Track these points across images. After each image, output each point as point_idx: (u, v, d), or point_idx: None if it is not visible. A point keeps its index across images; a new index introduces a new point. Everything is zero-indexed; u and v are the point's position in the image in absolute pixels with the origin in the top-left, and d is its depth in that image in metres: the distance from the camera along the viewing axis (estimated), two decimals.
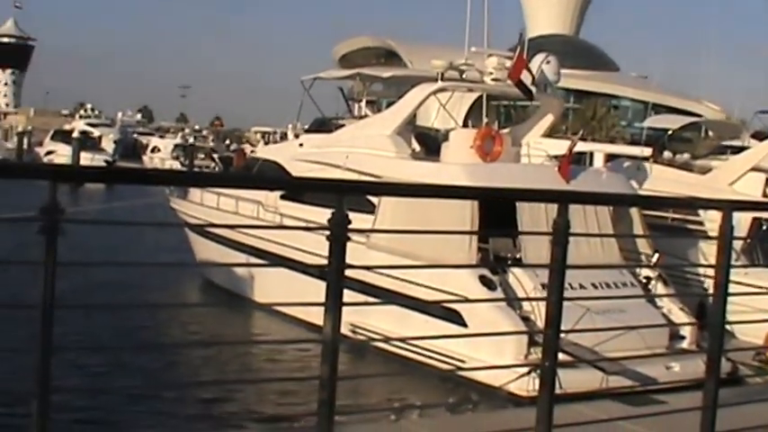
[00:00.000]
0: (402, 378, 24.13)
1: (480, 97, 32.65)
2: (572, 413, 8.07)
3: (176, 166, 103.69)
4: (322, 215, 20.19)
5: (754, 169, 32.09)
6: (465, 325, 23.15)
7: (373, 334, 24.46)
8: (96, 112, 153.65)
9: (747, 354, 24.39)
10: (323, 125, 34.16)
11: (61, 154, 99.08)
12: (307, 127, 37.05)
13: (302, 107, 36.19)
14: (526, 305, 23.77)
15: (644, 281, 25.96)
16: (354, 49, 43.99)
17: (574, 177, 26.73)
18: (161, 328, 28.34)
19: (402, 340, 24.26)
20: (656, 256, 26.56)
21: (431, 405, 20.40)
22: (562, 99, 38.57)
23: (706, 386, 7.65)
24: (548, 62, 29.59)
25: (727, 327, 8.15)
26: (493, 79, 29.95)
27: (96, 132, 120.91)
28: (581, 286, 22.45)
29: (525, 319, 23.26)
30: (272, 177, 28.71)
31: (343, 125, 33.01)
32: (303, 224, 26.96)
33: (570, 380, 12.84)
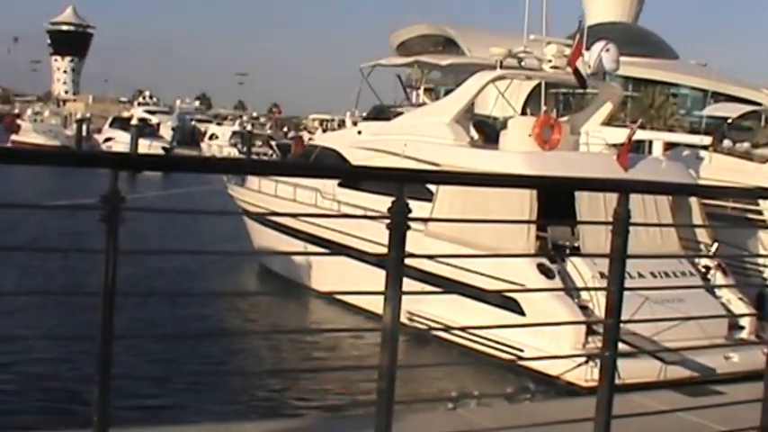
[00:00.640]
0: (458, 366, 24.09)
1: (538, 85, 32.51)
2: (631, 404, 8.03)
3: (234, 153, 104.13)
4: (380, 203, 20.16)
5: None
6: (523, 314, 23.08)
7: (430, 322, 24.46)
8: (155, 100, 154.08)
9: None
10: (381, 113, 34.13)
11: (119, 141, 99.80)
12: (365, 114, 37.03)
13: (360, 95, 36.29)
14: (584, 294, 23.63)
15: (703, 270, 25.72)
16: (412, 37, 43.98)
17: (632, 166, 26.55)
18: (219, 317, 28.48)
19: (462, 329, 24.24)
20: (716, 245, 26.33)
21: (488, 395, 20.31)
22: (621, 87, 38.26)
23: (766, 377, 7.56)
24: (607, 50, 29.39)
25: None
26: (552, 67, 29.79)
27: (154, 119, 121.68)
28: (640, 275, 22.29)
29: (583, 308, 23.14)
30: (332, 165, 28.78)
31: (401, 113, 32.95)
32: (361, 212, 26.96)
33: (629, 369, 12.77)
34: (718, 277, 25.89)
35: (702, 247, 26.72)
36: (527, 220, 24.76)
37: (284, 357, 24.22)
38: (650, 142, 39.07)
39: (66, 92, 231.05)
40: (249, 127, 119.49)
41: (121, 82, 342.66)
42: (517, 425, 7.16)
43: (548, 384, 21.33)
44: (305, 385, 21.85)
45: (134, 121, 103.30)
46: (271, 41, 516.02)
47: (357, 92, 36.14)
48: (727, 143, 37.10)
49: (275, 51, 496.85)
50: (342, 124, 63.24)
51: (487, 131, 30.74)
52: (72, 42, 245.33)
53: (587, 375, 20.44)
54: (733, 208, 32.07)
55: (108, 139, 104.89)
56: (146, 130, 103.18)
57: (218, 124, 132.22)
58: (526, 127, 28.00)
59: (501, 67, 29.39)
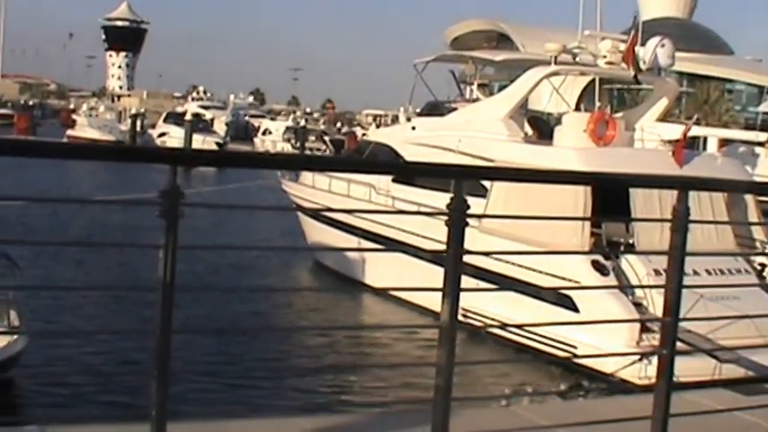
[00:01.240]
0: (512, 363, 24.07)
1: (592, 81, 32.35)
2: (686, 402, 7.98)
3: (287, 148, 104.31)
4: (434, 199, 20.25)
5: None
6: (577, 310, 22.99)
7: (484, 318, 24.42)
8: (208, 95, 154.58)
9: None
10: (435, 108, 34.12)
11: (173, 136, 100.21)
12: (419, 110, 37.04)
13: (414, 90, 36.30)
14: (638, 291, 23.50)
15: (758, 268, 25.51)
16: (466, 32, 43.75)
17: (688, 162, 26.37)
18: (274, 312, 28.59)
19: (518, 327, 24.17)
20: None
21: (542, 392, 20.29)
22: (676, 83, 38.01)
23: None
24: (662, 45, 29.20)
25: None
26: (606, 63, 29.66)
27: (208, 115, 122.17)
28: (695, 272, 22.11)
29: (637, 305, 23.01)
30: (390, 161, 28.76)
31: (455, 109, 32.93)
32: (415, 208, 26.99)
33: (684, 367, 12.67)
34: None
35: (758, 244, 26.51)
36: (584, 216, 24.68)
37: (338, 353, 24.29)
38: (705, 139, 38.91)
39: (121, 87, 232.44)
40: (303, 122, 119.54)
41: (176, 77, 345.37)
42: (572, 422, 7.13)
43: (601, 381, 21.27)
44: (359, 381, 21.91)
45: (188, 117, 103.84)
46: (325, 37, 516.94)
47: (411, 88, 36.17)
48: None
49: (329, 47, 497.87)
50: (395, 120, 63.29)
51: (542, 127, 30.68)
52: (126, 38, 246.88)
53: (641, 373, 20.36)
54: None
55: (162, 135, 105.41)
56: (200, 125, 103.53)
57: (272, 120, 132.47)
58: (581, 123, 27.89)
59: (555, 62, 29.31)
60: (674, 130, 30.20)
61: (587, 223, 24.52)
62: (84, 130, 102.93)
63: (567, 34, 32.04)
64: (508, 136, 28.69)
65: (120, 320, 25.21)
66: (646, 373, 20.13)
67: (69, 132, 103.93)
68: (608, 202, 22.32)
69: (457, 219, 4.94)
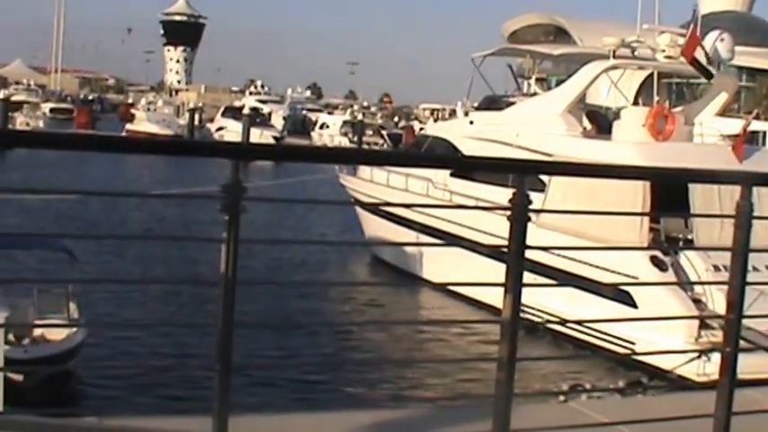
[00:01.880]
0: (572, 359, 24.02)
1: (651, 75, 32.15)
2: (749, 400, 7.90)
3: (345, 142, 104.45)
4: (492, 194, 20.18)
5: None
6: (635, 306, 22.86)
7: (541, 313, 24.35)
8: (266, 89, 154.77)
9: None
10: (493, 103, 34.08)
11: (231, 130, 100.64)
12: (477, 104, 36.98)
13: (472, 84, 36.29)
14: (697, 287, 23.33)
15: None
16: (523, 26, 43.50)
17: (747, 157, 26.14)
18: (333, 307, 28.68)
19: (578, 322, 24.11)
20: None
21: (600, 388, 20.21)
22: (736, 77, 37.70)
23: None
24: (722, 39, 28.96)
25: None
26: (665, 57, 29.46)
27: (266, 109, 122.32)
28: (754, 269, 21.91)
29: (696, 302, 22.86)
30: (451, 156, 28.82)
31: (513, 103, 32.87)
32: (472, 202, 26.96)
33: (744, 365, 12.56)
34: None
35: None
36: (645, 212, 24.56)
37: (396, 349, 24.34)
38: (764, 133, 38.48)
39: (179, 81, 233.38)
40: (360, 116, 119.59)
41: (233, 71, 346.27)
42: (631, 420, 7.09)
43: (660, 378, 21.14)
44: (417, 376, 21.92)
45: (246, 111, 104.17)
46: (382, 31, 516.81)
47: (469, 82, 36.15)
48: None
49: (386, 41, 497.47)
50: (453, 114, 63.17)
51: (600, 121, 30.54)
52: (184, 33, 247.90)
53: (700, 370, 20.19)
54: None
55: (220, 129, 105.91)
56: (257, 119, 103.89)
57: (329, 114, 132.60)
58: (639, 117, 27.74)
59: (614, 56, 29.16)
60: (734, 125, 29.99)
61: (646, 218, 24.37)
62: (142, 124, 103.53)
63: (624, 28, 31.81)
64: (567, 130, 28.60)
65: (178, 314, 25.46)
66: (704, 370, 19.96)
67: (128, 127, 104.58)
68: (666, 196, 22.17)
69: (519, 214, 4.92)
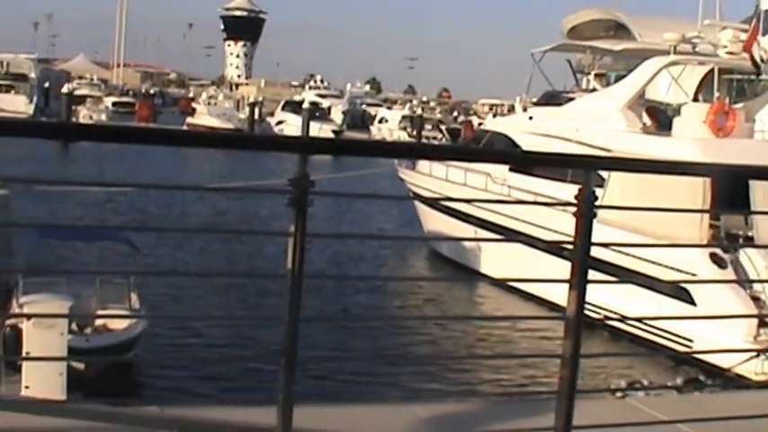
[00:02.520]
0: (632, 355, 23.97)
1: (712, 71, 31.92)
2: None
3: (404, 137, 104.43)
4: (551, 189, 20.17)
5: None
6: (694, 304, 22.75)
7: (598, 309, 24.29)
8: (326, 84, 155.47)
9: None
10: (553, 98, 34.03)
11: (291, 124, 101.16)
12: (536, 100, 36.95)
13: (531, 80, 36.25)
14: (757, 285, 23.16)
15: None
16: (583, 22, 43.24)
17: None
18: (391, 301, 28.76)
19: (638, 320, 24.04)
20: None
21: (658, 385, 20.11)
22: None
23: None
24: None
25: None
26: (727, 53, 29.27)
27: (325, 103, 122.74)
28: None
29: (755, 300, 22.70)
30: (513, 151, 28.75)
31: (572, 98, 32.80)
32: (531, 197, 26.98)
33: None
34: None
35: None
36: (708, 209, 24.42)
37: (454, 343, 24.36)
38: None
39: (239, 76, 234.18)
40: (419, 111, 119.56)
41: (293, 66, 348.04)
42: (690, 418, 7.08)
43: (718, 376, 21.03)
44: (475, 371, 21.94)
45: (305, 105, 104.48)
46: (441, 25, 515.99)
47: (528, 77, 36.11)
48: None
49: (445, 35, 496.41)
50: (511, 109, 63.06)
51: (660, 118, 30.36)
52: (245, 27, 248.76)
53: (758, 368, 20.08)
54: None
55: (280, 123, 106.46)
56: (317, 113, 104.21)
57: (388, 108, 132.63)
58: (700, 114, 27.56)
59: (675, 52, 29.00)
60: None
61: (706, 215, 24.23)
62: (203, 117, 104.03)
63: (685, 24, 31.65)
64: (627, 126, 28.52)
65: (238, 307, 25.65)
66: (763, 368, 19.87)
67: (189, 120, 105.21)
68: (726, 193, 22.04)
69: (585, 210, 4.94)
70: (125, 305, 19.99)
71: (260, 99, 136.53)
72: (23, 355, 14.12)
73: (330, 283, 26.89)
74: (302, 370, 4.62)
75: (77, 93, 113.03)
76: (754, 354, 20.01)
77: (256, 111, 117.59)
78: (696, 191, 23.60)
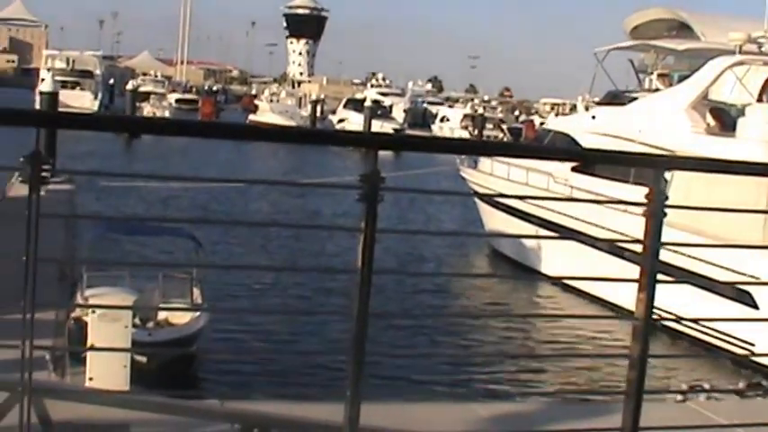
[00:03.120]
0: (695, 357, 23.86)
1: None
2: None
3: (465, 136, 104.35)
4: (614, 189, 20.01)
5: None
6: (756, 307, 22.56)
7: (658, 311, 24.14)
8: (387, 82, 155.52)
9: None
10: (615, 98, 33.90)
11: (353, 122, 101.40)
12: (598, 99, 36.83)
13: (594, 79, 36.14)
14: None
15: None
16: (646, 21, 42.88)
17: None
18: (454, 299, 28.75)
19: (709, 320, 23.87)
20: None
21: (719, 389, 19.97)
22: None
23: None
24: None
25: None
26: None
27: (387, 101, 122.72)
28: None
29: None
30: (580, 149, 28.71)
31: (635, 98, 32.64)
32: (592, 197, 26.93)
33: None
34: None
35: None
36: None
37: (516, 342, 24.33)
38: None
39: (301, 73, 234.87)
40: (480, 110, 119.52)
41: (355, 64, 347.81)
42: (751, 422, 7.06)
43: None
44: (536, 370, 21.89)
45: (367, 103, 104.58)
46: (503, 24, 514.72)
47: (592, 76, 36.01)
48: None
49: (507, 34, 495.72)
50: (573, 109, 62.84)
51: (724, 118, 30.10)
52: (307, 25, 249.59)
53: None
54: None
55: (342, 120, 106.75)
56: (378, 111, 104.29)
57: (450, 107, 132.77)
58: (765, 115, 27.31)
59: (740, 52, 28.78)
60: None
61: None
62: (265, 114, 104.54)
63: (749, 23, 31.39)
64: (691, 127, 28.34)
65: (303, 303, 25.77)
66: None
67: (251, 117, 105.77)
68: None
69: (656, 210, 4.94)
70: (187, 299, 20.15)
71: (322, 97, 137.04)
72: (88, 346, 14.29)
73: (390, 280, 26.92)
74: (372, 368, 4.63)
75: (142, 89, 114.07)
76: None
77: (318, 108, 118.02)
78: (759, 192, 23.39)
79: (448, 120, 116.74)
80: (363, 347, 4.45)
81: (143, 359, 16.96)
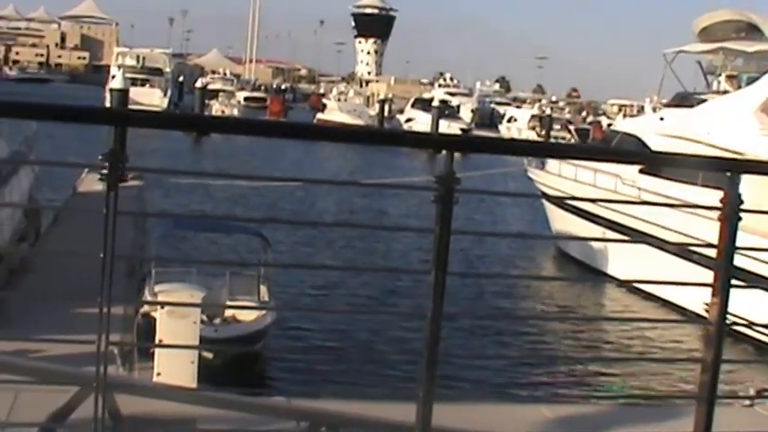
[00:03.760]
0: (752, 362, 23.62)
1: None
2: None
3: (532, 136, 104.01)
4: (683, 192, 19.86)
5: None
6: None
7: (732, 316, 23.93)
8: (455, 82, 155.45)
9: None
10: (684, 99, 33.67)
11: (420, 121, 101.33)
12: (666, 101, 36.61)
13: (663, 81, 35.95)
14: None
15: None
16: (715, 23, 42.49)
17: None
18: (520, 301, 28.68)
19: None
20: None
21: None
22: None
23: None
24: None
25: None
26: None
27: (455, 101, 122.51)
28: None
29: None
30: (640, 153, 28.56)
31: (704, 100, 32.41)
32: (660, 199, 26.78)
33: None
34: None
35: None
36: None
37: (583, 344, 24.23)
38: None
39: (369, 73, 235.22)
40: (548, 111, 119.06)
41: (422, 64, 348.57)
42: None
43: None
44: (602, 373, 21.78)
45: (435, 103, 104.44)
46: (570, 25, 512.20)
47: (660, 78, 35.81)
48: None
49: (575, 35, 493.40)
50: (641, 110, 62.45)
51: None
52: (375, 25, 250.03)
53: None
54: None
55: (409, 120, 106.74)
56: (446, 111, 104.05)
57: (517, 107, 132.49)
58: None
59: None
60: None
61: None
62: (333, 113, 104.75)
63: None
64: (759, 130, 28.07)
65: (372, 303, 25.80)
66: None
67: (319, 116, 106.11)
68: None
69: (731, 214, 4.92)
70: (254, 297, 20.25)
71: (390, 96, 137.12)
72: (156, 342, 14.41)
73: (457, 280, 26.91)
74: (444, 368, 4.63)
75: (211, 87, 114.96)
76: None
77: (386, 108, 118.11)
78: None
79: (515, 120, 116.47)
80: (437, 348, 4.45)
81: (209, 356, 17.09)
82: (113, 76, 53.42)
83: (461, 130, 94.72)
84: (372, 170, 62.01)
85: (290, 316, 22.53)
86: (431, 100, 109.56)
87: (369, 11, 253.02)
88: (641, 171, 30.13)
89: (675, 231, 23.82)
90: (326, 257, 31.90)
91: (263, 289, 20.64)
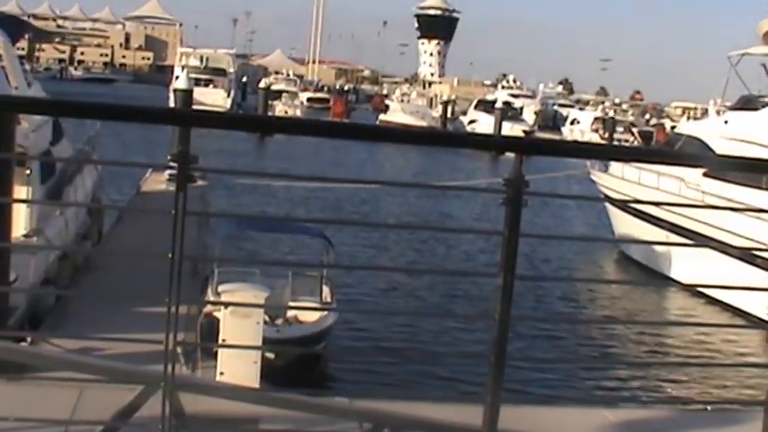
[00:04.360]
0: None
1: None
2: None
3: (595, 138, 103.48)
4: (747, 196, 19.70)
5: None
6: None
7: None
8: (518, 84, 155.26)
9: None
10: (749, 103, 33.36)
11: (483, 123, 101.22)
12: (731, 104, 36.30)
13: (727, 83, 35.67)
14: None
15: None
16: None
17: None
18: (586, 303, 28.57)
19: None
20: None
21: None
22: None
23: None
24: None
25: None
26: None
27: (517, 103, 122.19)
28: None
29: None
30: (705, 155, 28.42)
31: None
32: (724, 203, 26.62)
33: None
34: None
35: None
36: None
37: (645, 348, 24.10)
38: None
39: (432, 74, 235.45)
40: (611, 113, 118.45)
41: (485, 65, 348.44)
42: None
43: None
44: (663, 377, 21.66)
45: (498, 105, 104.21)
46: (634, 27, 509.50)
47: (725, 81, 35.52)
48: None
49: (638, 37, 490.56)
50: (705, 113, 61.91)
51: None
52: (438, 26, 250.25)
53: None
54: None
55: (472, 122, 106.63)
56: (509, 113, 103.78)
57: (580, 109, 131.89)
58: None
59: None
60: None
61: None
62: (396, 114, 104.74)
63: None
64: None
65: (433, 304, 25.78)
66: None
67: (382, 117, 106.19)
68: None
69: None
70: (317, 298, 20.31)
71: (453, 97, 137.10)
72: (219, 342, 14.49)
73: (521, 284, 26.84)
74: (511, 370, 4.61)
75: (274, 88, 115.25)
76: None
77: (449, 109, 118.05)
78: None
79: (578, 122, 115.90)
80: (504, 352, 4.46)
81: (271, 356, 17.16)
82: (177, 77, 53.57)
83: (524, 132, 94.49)
84: (436, 171, 61.98)
85: (353, 317, 22.57)
86: (494, 102, 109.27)
87: (432, 12, 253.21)
88: (705, 174, 29.91)
89: (739, 235, 23.63)
90: (389, 259, 31.92)
91: (326, 290, 20.70)
